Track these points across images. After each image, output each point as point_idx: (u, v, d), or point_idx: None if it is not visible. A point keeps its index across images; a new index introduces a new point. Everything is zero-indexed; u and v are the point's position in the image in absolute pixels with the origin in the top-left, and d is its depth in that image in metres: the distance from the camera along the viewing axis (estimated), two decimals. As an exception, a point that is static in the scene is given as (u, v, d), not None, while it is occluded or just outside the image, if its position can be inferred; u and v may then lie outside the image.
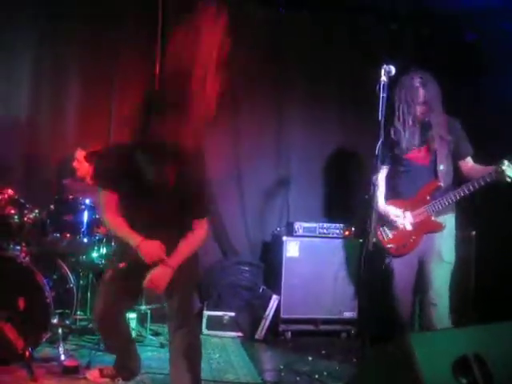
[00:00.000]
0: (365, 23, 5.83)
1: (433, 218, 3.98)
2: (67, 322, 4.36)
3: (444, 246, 3.97)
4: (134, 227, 3.30)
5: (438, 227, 3.97)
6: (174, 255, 3.26)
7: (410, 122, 3.97)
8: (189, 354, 3.30)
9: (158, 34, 5.53)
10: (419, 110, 3.94)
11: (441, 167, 3.98)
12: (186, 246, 3.30)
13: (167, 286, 3.25)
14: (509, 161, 3.71)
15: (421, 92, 3.92)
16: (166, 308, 3.46)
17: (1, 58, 5.35)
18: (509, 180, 3.73)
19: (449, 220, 4.02)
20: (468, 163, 4.06)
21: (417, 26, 5.78)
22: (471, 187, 3.83)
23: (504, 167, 3.70)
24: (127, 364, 3.76)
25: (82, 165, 4.98)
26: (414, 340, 2.22)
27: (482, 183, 3.79)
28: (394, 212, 4.05)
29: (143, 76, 5.47)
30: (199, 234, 3.36)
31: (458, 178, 4.08)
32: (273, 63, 5.78)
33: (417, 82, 3.93)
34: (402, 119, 3.99)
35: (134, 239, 3.27)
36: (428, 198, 3.98)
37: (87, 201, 4.41)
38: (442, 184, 3.97)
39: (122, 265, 3.42)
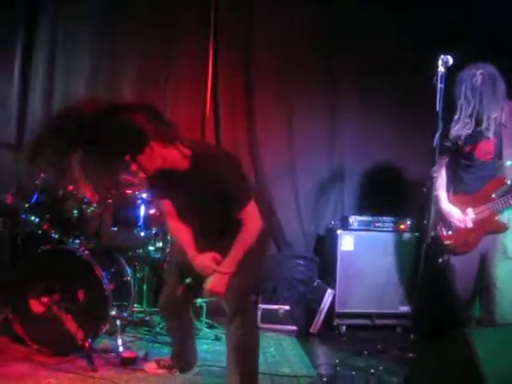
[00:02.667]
0: (420, 12, 5.71)
1: (496, 218, 3.82)
2: (125, 314, 4.43)
3: (509, 242, 3.81)
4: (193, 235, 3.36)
5: (501, 228, 3.80)
6: (228, 259, 3.23)
7: (474, 117, 3.84)
8: (241, 348, 3.30)
9: (211, 34, 5.57)
10: (482, 105, 3.81)
11: (508, 163, 3.80)
12: (238, 246, 3.22)
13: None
14: None
15: (482, 88, 3.79)
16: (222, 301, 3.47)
17: (60, 60, 5.49)
18: None
19: None
20: None
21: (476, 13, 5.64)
22: None
23: None
24: (184, 355, 3.81)
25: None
26: (475, 336, 2.19)
27: None
28: (457, 215, 3.93)
29: (196, 77, 5.53)
30: (248, 227, 3.21)
31: None
32: (326, 58, 5.75)
33: (478, 77, 3.79)
34: (464, 114, 3.87)
35: (189, 253, 3.33)
36: (493, 195, 3.81)
37: (144, 195, 4.46)
38: (508, 181, 3.80)
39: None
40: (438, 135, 3.44)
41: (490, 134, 3.81)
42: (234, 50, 5.67)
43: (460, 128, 3.84)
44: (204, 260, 3.28)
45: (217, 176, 3.08)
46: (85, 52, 5.54)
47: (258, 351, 3.43)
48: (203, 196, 3.14)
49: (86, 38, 5.55)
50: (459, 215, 3.91)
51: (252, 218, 3.21)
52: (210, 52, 5.55)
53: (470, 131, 3.83)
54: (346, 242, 5.17)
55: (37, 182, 4.33)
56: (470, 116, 3.81)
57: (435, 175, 3.56)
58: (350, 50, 5.75)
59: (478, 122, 3.81)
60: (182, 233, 3.40)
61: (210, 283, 3.24)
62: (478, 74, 3.78)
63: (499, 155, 3.83)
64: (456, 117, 3.88)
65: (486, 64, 3.84)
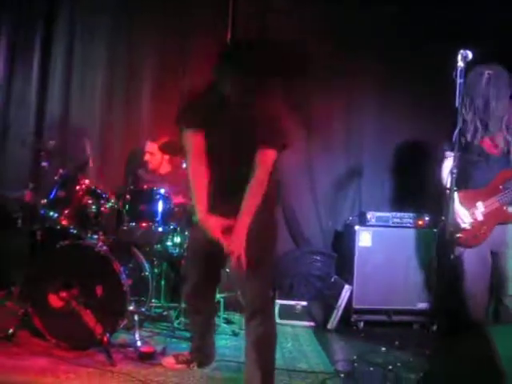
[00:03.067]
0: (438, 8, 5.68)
1: (505, 208, 3.86)
2: (143, 309, 4.44)
3: None
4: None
5: (510, 217, 3.86)
6: (241, 213, 3.14)
7: (481, 114, 3.86)
8: (260, 345, 3.29)
9: (229, 25, 5.56)
10: (487, 105, 3.83)
11: None
12: (250, 197, 3.15)
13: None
14: None
15: (489, 88, 3.80)
16: (240, 297, 3.47)
17: (78, 56, 5.53)
18: None
19: None
20: None
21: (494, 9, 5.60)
22: None
23: None
24: (203, 350, 3.82)
25: (153, 157, 5.08)
26: (494, 333, 2.18)
27: None
28: (462, 213, 3.95)
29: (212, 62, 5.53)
30: (260, 173, 3.15)
31: None
32: (343, 54, 5.72)
33: (485, 76, 3.80)
34: (472, 111, 3.89)
35: (199, 211, 3.24)
36: (501, 187, 3.86)
37: (162, 190, 4.47)
38: None
39: None
40: (457, 131, 3.43)
41: (497, 130, 3.84)
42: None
43: (481, 128, 3.87)
44: (212, 224, 3.19)
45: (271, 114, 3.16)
46: (102, 43, 5.62)
47: (276, 347, 3.42)
48: (247, 132, 3.13)
49: (103, 30, 5.62)
50: (464, 215, 3.93)
51: (267, 163, 3.18)
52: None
53: (474, 130, 3.86)
54: (364, 238, 5.16)
55: (55, 178, 4.35)
56: (475, 114, 3.84)
57: (455, 171, 3.55)
58: (367, 46, 5.72)
59: (484, 121, 3.83)
60: (199, 179, 3.28)
61: (231, 244, 3.12)
62: (486, 73, 3.81)
63: (507, 149, 3.88)
64: (469, 115, 3.89)
65: (495, 64, 3.86)
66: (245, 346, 3.36)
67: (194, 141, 3.31)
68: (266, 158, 3.17)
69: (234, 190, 3.17)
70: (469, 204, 3.96)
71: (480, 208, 3.92)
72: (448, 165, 3.96)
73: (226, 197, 3.23)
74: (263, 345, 3.31)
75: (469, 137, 3.91)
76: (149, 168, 5.16)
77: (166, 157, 5.05)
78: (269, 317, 3.39)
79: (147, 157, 5.12)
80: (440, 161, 3.96)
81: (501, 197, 3.86)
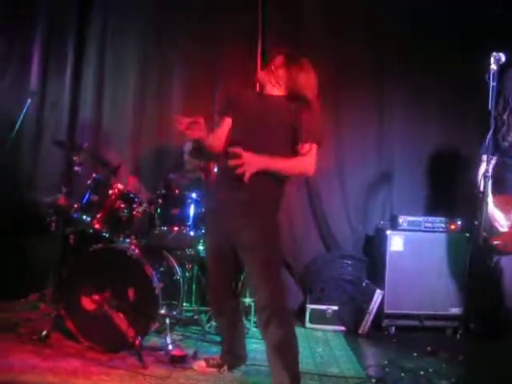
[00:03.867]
0: (467, 10, 5.60)
1: None
2: (174, 312, 4.46)
3: None
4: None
5: None
6: (274, 158, 3.29)
7: None
8: (284, 348, 3.32)
9: (259, 31, 5.57)
10: None
11: None
12: (287, 160, 3.36)
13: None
14: None
15: None
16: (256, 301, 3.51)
17: (110, 60, 5.60)
18: None
19: None
20: None
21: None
22: None
23: None
24: (234, 351, 3.83)
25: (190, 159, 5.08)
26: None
27: None
28: (498, 217, 3.90)
29: (244, 77, 5.54)
30: (304, 159, 3.38)
31: None
32: (374, 58, 5.71)
33: None
34: (508, 112, 3.84)
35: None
36: None
37: (193, 195, 4.49)
38: None
39: None
40: (490, 134, 3.39)
41: None
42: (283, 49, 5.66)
43: (501, 130, 3.82)
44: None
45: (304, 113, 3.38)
46: (135, 48, 5.66)
47: (298, 349, 3.43)
48: (280, 122, 3.37)
49: (135, 34, 5.65)
50: (502, 220, 3.88)
51: (311, 157, 3.40)
52: (258, 50, 5.56)
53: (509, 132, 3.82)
54: (396, 243, 5.12)
55: (88, 182, 4.41)
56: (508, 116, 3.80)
57: (489, 175, 3.51)
58: (398, 49, 5.70)
59: None
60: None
61: (247, 154, 3.19)
62: None
63: None
64: (506, 116, 3.85)
65: None
66: (266, 351, 3.39)
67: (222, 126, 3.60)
68: (310, 151, 3.38)
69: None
70: (505, 209, 3.91)
71: None
72: (483, 168, 3.92)
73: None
74: (283, 348, 3.34)
75: (504, 139, 3.87)
76: (187, 169, 5.17)
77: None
78: (285, 319, 3.40)
79: (186, 157, 5.13)
80: (476, 164, 3.91)
81: None
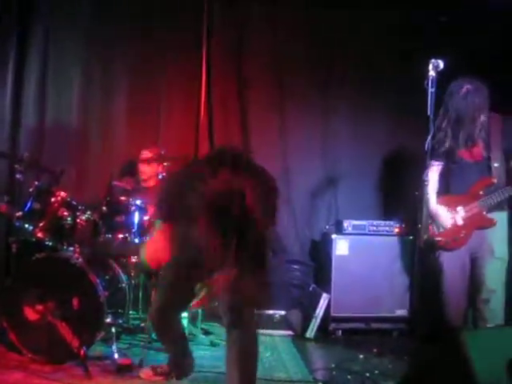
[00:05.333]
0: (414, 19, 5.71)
1: (484, 213, 3.97)
2: (120, 321, 4.42)
3: (496, 242, 3.95)
4: None
5: (489, 223, 3.96)
6: None
7: (461, 126, 3.93)
8: (243, 357, 3.28)
9: (204, 42, 5.56)
10: (469, 116, 3.90)
11: (495, 164, 3.96)
12: None
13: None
14: None
15: (469, 100, 3.88)
16: (220, 306, 3.47)
17: (52, 69, 5.50)
18: None
19: (501, 215, 3.98)
20: None
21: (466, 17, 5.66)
22: None
23: None
24: (181, 362, 3.79)
25: (150, 167, 5.05)
26: (467, 337, 2.19)
27: None
28: (444, 215, 4.03)
29: (190, 85, 5.56)
30: None
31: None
32: (319, 64, 5.77)
33: (463, 90, 3.90)
34: (450, 120, 3.97)
35: None
36: (481, 193, 3.97)
37: (138, 202, 4.46)
38: (495, 180, 3.93)
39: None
40: (429, 139, 3.49)
41: (476, 138, 3.95)
42: (228, 57, 5.68)
43: (462, 138, 3.93)
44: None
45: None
46: (77, 61, 5.56)
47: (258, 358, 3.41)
48: None
49: (78, 48, 5.56)
50: (445, 214, 4.00)
51: None
52: (204, 59, 5.54)
53: (449, 143, 3.93)
54: (341, 247, 5.17)
55: (30, 190, 4.32)
56: (453, 123, 3.90)
57: (427, 179, 3.61)
58: (343, 55, 5.79)
59: (463, 130, 3.89)
60: None
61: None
62: (465, 88, 3.93)
63: (487, 157, 3.99)
64: (449, 127, 3.96)
65: (474, 79, 3.97)
66: (226, 358, 3.33)
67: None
68: None
69: None
70: (449, 208, 4.08)
71: (460, 212, 4.03)
72: (433, 174, 4.04)
73: None
74: (249, 356, 3.31)
75: (448, 145, 3.98)
76: (142, 177, 5.13)
77: (159, 169, 4.96)
78: (254, 326, 3.39)
79: (143, 167, 5.09)
80: (420, 168, 3.99)
81: (480, 202, 3.97)
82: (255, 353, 3.37)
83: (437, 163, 4.11)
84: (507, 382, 2.20)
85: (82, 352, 3.81)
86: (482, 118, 3.96)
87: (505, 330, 2.68)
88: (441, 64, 3.47)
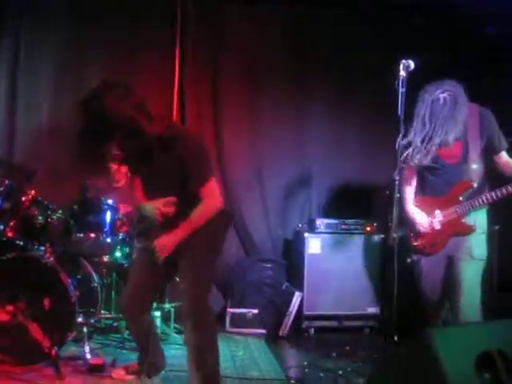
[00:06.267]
0: (387, 20, 5.75)
1: (463, 220, 3.87)
2: (92, 320, 4.40)
3: (475, 243, 3.84)
4: None
5: (468, 230, 3.85)
6: (184, 224, 3.33)
7: (426, 142, 3.88)
8: (199, 348, 3.34)
9: (177, 34, 5.55)
10: (437, 131, 3.86)
11: (473, 166, 3.84)
12: (195, 215, 3.34)
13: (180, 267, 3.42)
14: None
15: (443, 112, 3.81)
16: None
17: (23, 68, 5.45)
18: None
19: (480, 216, 3.91)
20: (502, 158, 3.91)
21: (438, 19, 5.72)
22: (505, 191, 3.72)
23: None
24: (152, 360, 3.78)
25: (120, 171, 5.00)
26: (436, 335, 2.22)
27: None
28: (421, 221, 3.98)
29: (162, 86, 5.54)
30: (207, 201, 3.36)
31: (493, 174, 3.96)
32: (293, 65, 5.80)
33: (440, 100, 3.78)
34: (417, 137, 3.91)
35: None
36: (460, 198, 3.85)
37: (110, 201, 4.45)
38: (475, 184, 3.84)
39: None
40: (399, 139, 3.49)
41: (455, 139, 3.84)
42: (201, 58, 5.65)
43: (413, 152, 3.88)
44: (154, 203, 3.41)
45: (184, 153, 3.29)
46: (49, 60, 5.49)
47: (218, 350, 3.44)
48: (168, 172, 3.34)
49: (49, 48, 5.49)
50: (424, 220, 3.97)
51: (212, 195, 3.40)
52: (177, 59, 5.53)
53: (446, 140, 3.87)
54: (314, 245, 5.20)
55: (1, 189, 4.27)
56: (422, 141, 3.85)
57: (397, 178, 3.59)
58: (317, 59, 5.83)
59: (441, 131, 3.84)
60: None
61: (160, 238, 3.34)
62: (441, 97, 3.78)
63: (465, 159, 3.87)
64: (410, 138, 3.90)
65: (451, 83, 3.83)
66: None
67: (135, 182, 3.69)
68: (207, 190, 3.37)
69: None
70: (426, 211, 3.98)
71: (438, 217, 3.91)
72: (409, 174, 4.03)
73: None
74: (201, 348, 3.35)
75: (412, 159, 3.92)
76: (114, 180, 5.08)
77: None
78: (205, 319, 3.41)
79: (118, 175, 5.04)
80: (393, 168, 3.97)
81: (459, 208, 3.86)
82: (213, 346, 3.41)
83: (412, 164, 4.04)
84: (476, 378, 2.23)
85: (53, 352, 3.78)
86: (464, 115, 3.87)
87: (473, 327, 2.71)
88: (412, 64, 3.48)
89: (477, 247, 3.87)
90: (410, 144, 3.87)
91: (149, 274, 3.56)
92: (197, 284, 3.42)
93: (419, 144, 3.84)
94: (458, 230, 3.89)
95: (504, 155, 3.92)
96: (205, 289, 3.50)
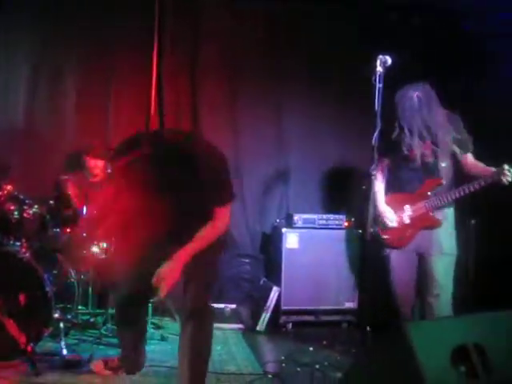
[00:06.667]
0: (364, 15, 5.77)
1: (431, 214, 4.01)
2: (68, 316, 4.38)
3: (444, 239, 4.00)
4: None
5: (436, 223, 4.00)
6: (184, 249, 3.17)
7: (410, 129, 3.97)
8: (198, 350, 3.30)
9: (155, 27, 5.51)
10: (417, 120, 3.94)
11: (442, 164, 4.00)
12: (200, 238, 3.19)
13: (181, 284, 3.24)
14: (509, 165, 3.74)
15: (419, 110, 3.92)
16: (171, 303, 3.47)
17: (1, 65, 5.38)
18: (506, 183, 3.76)
19: (448, 214, 4.04)
20: (468, 160, 4.07)
21: (414, 15, 5.75)
22: (472, 188, 3.86)
23: (505, 171, 3.74)
24: (133, 357, 3.77)
25: (100, 169, 4.97)
26: (412, 329, 2.24)
27: (483, 184, 3.82)
28: (390, 213, 4.09)
29: (140, 80, 5.49)
30: (217, 223, 3.23)
31: (460, 174, 4.10)
32: (271, 58, 5.79)
33: (414, 99, 3.93)
34: (401, 127, 4.01)
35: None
36: (429, 193, 4.01)
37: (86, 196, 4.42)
38: (444, 181, 3.99)
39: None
40: (376, 134, 3.53)
41: (426, 138, 3.97)
42: (179, 50, 5.63)
43: (409, 139, 3.97)
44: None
45: (212, 166, 3.20)
46: (24, 55, 5.42)
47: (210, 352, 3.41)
48: (186, 183, 3.16)
49: (24, 44, 5.42)
50: (391, 216, 4.07)
51: (225, 218, 3.28)
52: (155, 52, 5.50)
53: (417, 140, 3.96)
54: (291, 240, 5.21)
55: (-24, 184, 4.23)
56: (409, 133, 3.96)
57: (374, 173, 3.64)
58: (297, 51, 5.82)
59: (421, 129, 3.94)
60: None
61: (163, 270, 3.13)
62: (415, 96, 3.94)
63: (435, 157, 4.01)
64: (394, 135, 4.01)
65: (422, 84, 4.00)
66: (178, 351, 3.33)
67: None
68: (222, 212, 3.25)
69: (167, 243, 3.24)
70: (397, 206, 4.11)
71: (407, 211, 4.06)
72: (381, 170, 4.10)
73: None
74: (201, 349, 3.32)
75: (399, 144, 4.01)
76: (96, 178, 5.04)
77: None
78: (206, 322, 3.37)
79: (96, 170, 4.99)
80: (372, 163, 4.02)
81: (428, 202, 4.00)
82: (206, 351, 3.36)
83: (386, 161, 4.16)
84: (452, 371, 2.25)
85: (29, 348, 3.74)
86: (435, 115, 3.98)
87: (448, 320, 2.74)
88: (389, 60, 3.51)
89: (446, 243, 4.03)
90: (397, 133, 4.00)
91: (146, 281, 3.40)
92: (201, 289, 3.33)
93: (406, 130, 3.96)
94: (426, 223, 4.04)
95: (469, 157, 4.09)
96: (208, 290, 3.44)
